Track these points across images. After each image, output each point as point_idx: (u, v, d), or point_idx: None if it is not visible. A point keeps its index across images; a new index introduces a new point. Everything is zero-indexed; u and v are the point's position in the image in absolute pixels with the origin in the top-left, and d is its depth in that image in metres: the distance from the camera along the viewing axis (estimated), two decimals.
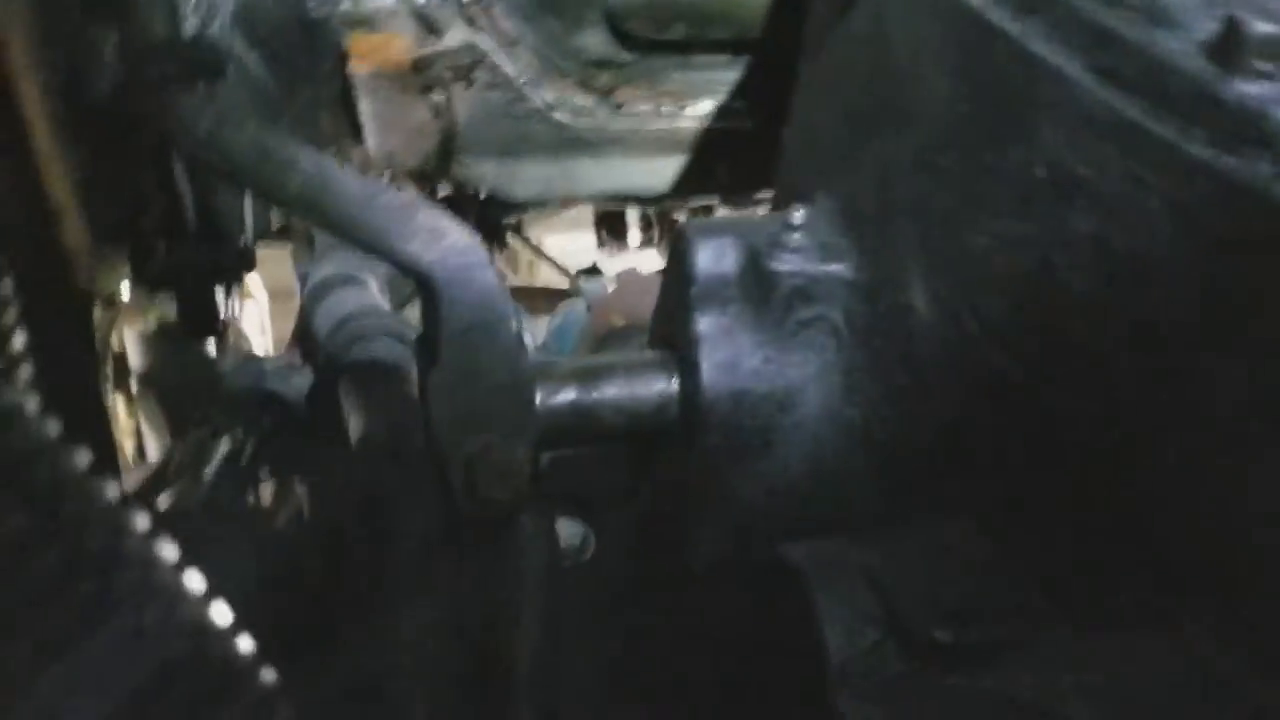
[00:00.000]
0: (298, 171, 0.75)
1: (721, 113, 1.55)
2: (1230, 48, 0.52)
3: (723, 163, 1.65)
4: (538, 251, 3.31)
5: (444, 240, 0.78)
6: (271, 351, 2.45)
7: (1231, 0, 0.56)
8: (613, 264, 2.74)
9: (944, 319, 0.70)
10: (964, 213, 0.70)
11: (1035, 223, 0.63)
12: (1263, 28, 0.50)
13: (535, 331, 2.50)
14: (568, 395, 0.84)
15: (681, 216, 2.45)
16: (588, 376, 0.85)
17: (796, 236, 0.84)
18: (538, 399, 0.82)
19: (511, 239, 3.21)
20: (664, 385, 0.85)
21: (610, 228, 2.49)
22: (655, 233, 2.62)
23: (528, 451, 0.80)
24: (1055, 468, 0.66)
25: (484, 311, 0.78)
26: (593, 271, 2.28)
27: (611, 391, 0.84)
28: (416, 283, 0.79)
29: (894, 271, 0.78)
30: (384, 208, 0.77)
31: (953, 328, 0.69)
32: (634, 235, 2.60)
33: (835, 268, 0.83)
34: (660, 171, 1.65)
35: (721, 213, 2.36)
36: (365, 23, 1.21)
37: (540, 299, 2.73)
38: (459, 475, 0.78)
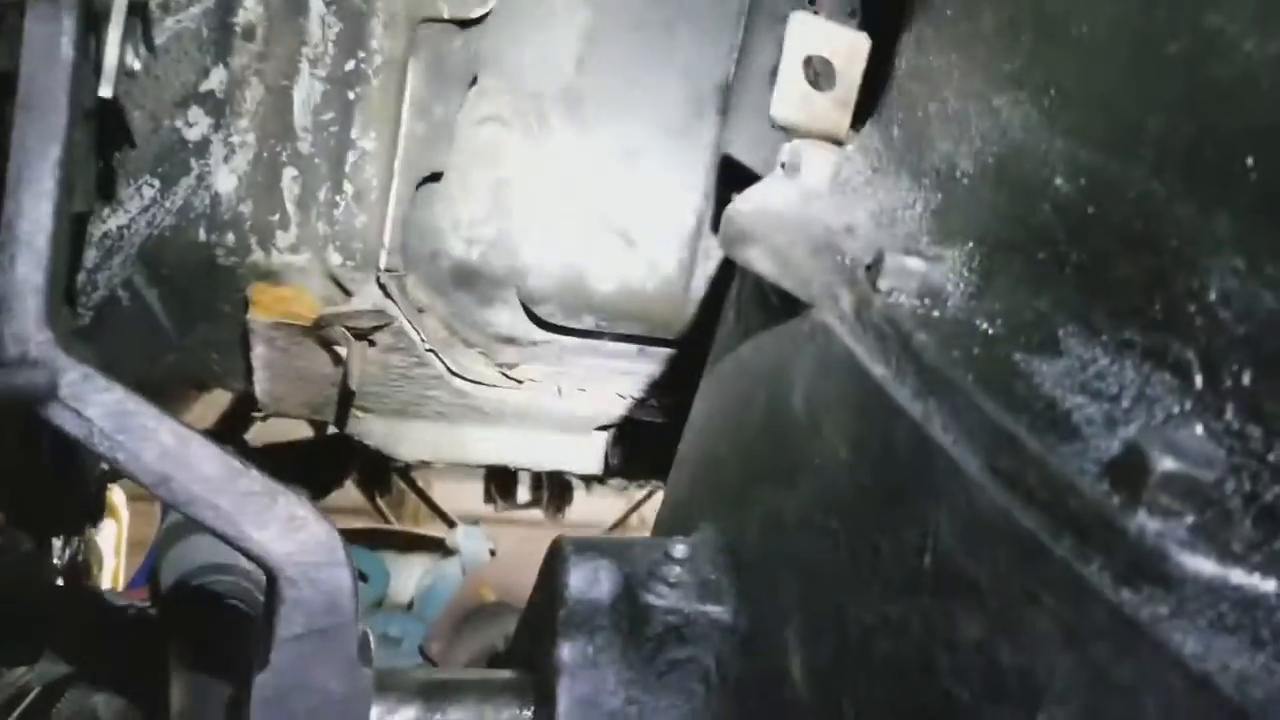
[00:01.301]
0: (156, 442, 0.70)
1: (623, 400, 1.55)
2: (1134, 478, 0.50)
3: (618, 448, 1.64)
4: (423, 497, 3.23)
5: (300, 533, 0.73)
6: (122, 575, 2.30)
7: (1133, 418, 0.56)
8: (498, 520, 2.68)
9: (821, 701, 0.66)
10: (849, 585, 0.67)
11: (921, 616, 0.60)
12: (1168, 464, 0.49)
13: (408, 581, 2.39)
14: (409, 714, 0.77)
15: (574, 481, 2.43)
16: (435, 695, 0.79)
17: (676, 570, 0.80)
18: (376, 715, 0.75)
19: (397, 480, 3.14)
20: (517, 713, 0.79)
21: (499, 482, 2.44)
22: (544, 493, 2.58)
23: None
24: None
25: (328, 616, 0.71)
26: (473, 532, 2.21)
27: (458, 715, 0.77)
28: (264, 575, 0.73)
29: (772, 628, 0.74)
30: (242, 491, 0.72)
31: (829, 713, 0.65)
32: (523, 492, 2.56)
33: (713, 610, 0.79)
34: (555, 448, 1.63)
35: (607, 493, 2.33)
36: (274, 275, 1.18)
37: (418, 546, 2.64)
38: None
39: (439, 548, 2.61)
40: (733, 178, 1.37)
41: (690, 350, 1.46)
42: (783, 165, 0.91)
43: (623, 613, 0.79)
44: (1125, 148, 0.59)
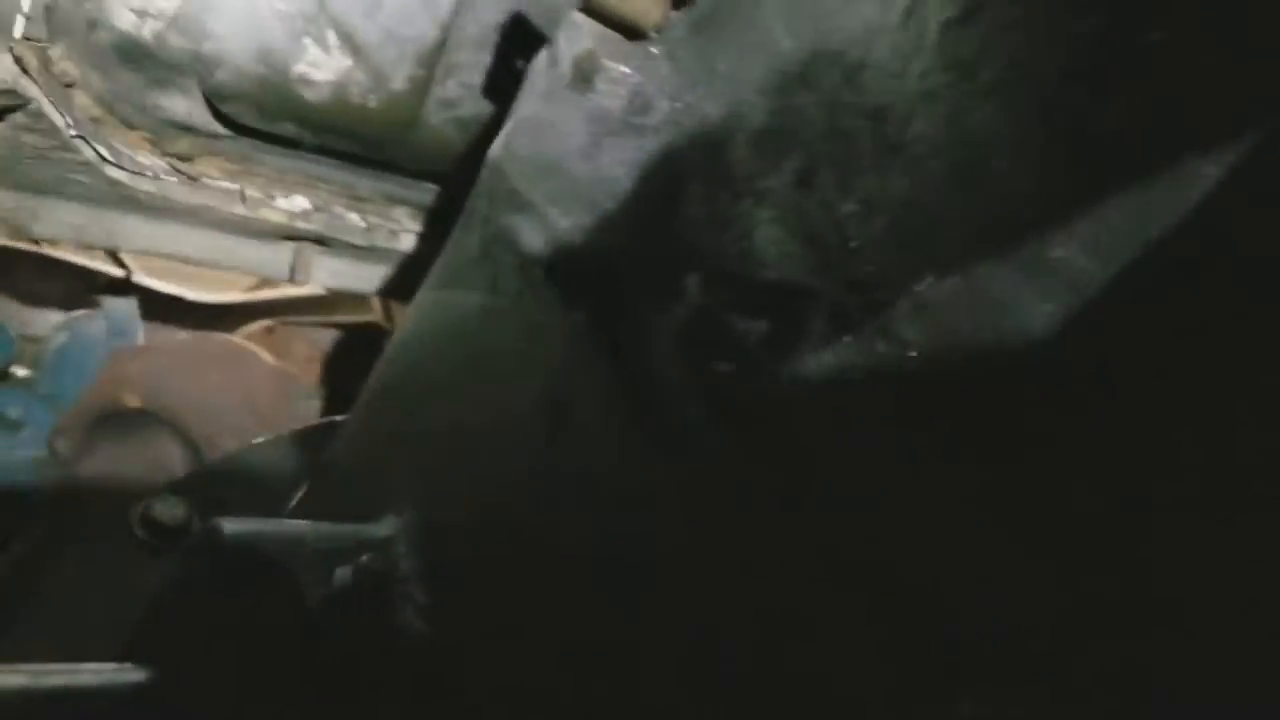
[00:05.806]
0: None
1: (320, 214, 1.32)
2: None
3: (301, 267, 1.42)
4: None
5: None
6: None
7: None
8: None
9: None
10: None
11: None
12: None
13: (35, 326, 2.06)
14: None
15: None
16: None
17: None
18: None
19: None
20: None
21: None
22: None
23: None
24: None
25: None
26: (124, 305, 1.88)
27: None
28: None
29: None
30: None
31: None
32: None
33: None
34: (234, 248, 1.38)
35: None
36: None
37: (56, 279, 2.27)
38: None
39: (82, 288, 2.19)
40: None
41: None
42: (574, 73, 0.71)
43: None
44: None
